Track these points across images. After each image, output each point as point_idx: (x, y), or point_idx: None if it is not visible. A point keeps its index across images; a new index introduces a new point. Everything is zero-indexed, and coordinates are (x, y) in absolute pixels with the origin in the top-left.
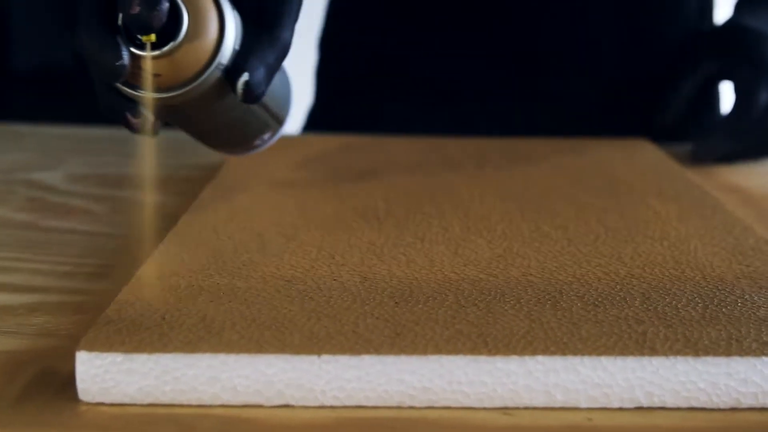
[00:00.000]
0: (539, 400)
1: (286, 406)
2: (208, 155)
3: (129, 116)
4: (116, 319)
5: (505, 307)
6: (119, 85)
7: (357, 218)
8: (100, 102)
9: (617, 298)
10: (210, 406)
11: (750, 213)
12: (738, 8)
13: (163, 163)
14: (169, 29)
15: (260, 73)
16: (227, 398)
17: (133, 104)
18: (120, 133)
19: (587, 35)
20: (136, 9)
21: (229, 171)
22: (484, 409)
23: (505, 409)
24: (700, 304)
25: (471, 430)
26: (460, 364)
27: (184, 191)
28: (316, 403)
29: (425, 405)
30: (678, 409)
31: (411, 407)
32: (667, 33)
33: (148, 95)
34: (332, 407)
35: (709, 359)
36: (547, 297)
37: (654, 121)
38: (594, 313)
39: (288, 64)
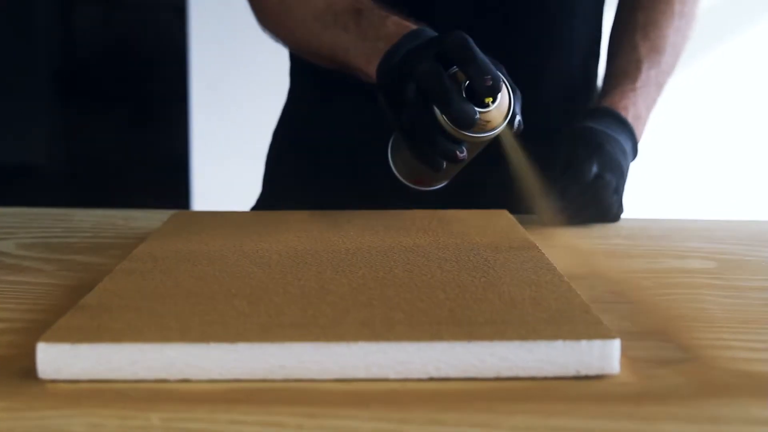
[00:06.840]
0: (362, 373)
1: (186, 380)
2: (138, 228)
3: (458, 152)
4: (65, 327)
5: (349, 318)
6: (460, 132)
7: (252, 265)
8: (437, 148)
9: (431, 313)
10: (131, 381)
11: (572, 261)
12: (582, 117)
13: (100, 234)
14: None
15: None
16: (143, 375)
17: (459, 145)
18: (58, 211)
19: None
20: (489, 82)
21: (156, 237)
22: (325, 380)
23: (340, 380)
24: (488, 315)
25: (316, 394)
26: (308, 348)
27: (117, 255)
28: (207, 378)
29: (282, 378)
30: (458, 378)
31: (272, 380)
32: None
33: (483, 136)
34: (218, 381)
35: (479, 343)
36: (381, 310)
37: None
38: (408, 320)
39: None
